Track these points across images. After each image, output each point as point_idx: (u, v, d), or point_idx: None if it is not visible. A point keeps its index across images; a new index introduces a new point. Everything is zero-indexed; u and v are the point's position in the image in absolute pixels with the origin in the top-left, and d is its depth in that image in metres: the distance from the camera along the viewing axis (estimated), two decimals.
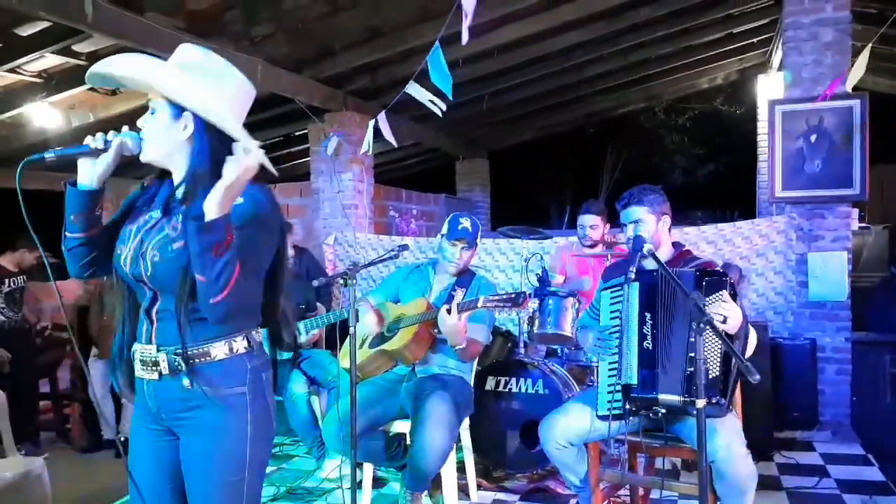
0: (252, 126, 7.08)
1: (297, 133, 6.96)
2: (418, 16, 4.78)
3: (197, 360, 1.61)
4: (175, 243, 1.59)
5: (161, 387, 1.65)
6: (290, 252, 3.93)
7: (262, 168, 1.60)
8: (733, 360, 2.33)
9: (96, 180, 1.66)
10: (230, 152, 1.52)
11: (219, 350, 1.62)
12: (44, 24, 3.92)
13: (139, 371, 1.68)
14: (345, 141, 5.79)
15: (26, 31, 4.03)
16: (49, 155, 1.59)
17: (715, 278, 2.42)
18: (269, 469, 3.91)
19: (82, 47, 4.33)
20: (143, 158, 1.65)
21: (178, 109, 1.61)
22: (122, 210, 1.75)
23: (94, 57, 4.47)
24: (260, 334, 1.72)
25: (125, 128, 1.66)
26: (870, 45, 3.78)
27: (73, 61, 4.44)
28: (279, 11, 4.27)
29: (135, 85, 1.63)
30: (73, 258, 1.74)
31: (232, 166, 1.50)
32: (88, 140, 1.64)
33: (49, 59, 4.44)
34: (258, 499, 1.71)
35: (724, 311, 2.34)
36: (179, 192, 1.64)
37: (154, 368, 1.64)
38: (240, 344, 1.64)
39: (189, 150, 1.63)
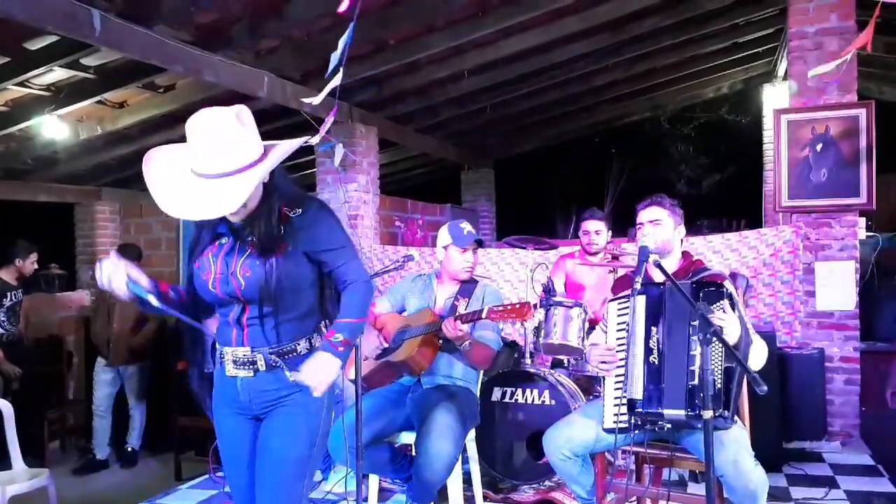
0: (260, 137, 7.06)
1: (303, 144, 6.98)
2: (424, 28, 4.81)
3: (288, 356, 1.95)
4: (258, 260, 1.89)
5: (255, 381, 1.97)
6: None
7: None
8: (735, 372, 2.32)
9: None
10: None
11: (302, 346, 1.97)
12: (52, 39, 3.96)
13: (232, 370, 1.98)
14: (350, 152, 5.81)
15: (35, 45, 4.07)
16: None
17: (712, 290, 2.40)
18: None
19: (90, 61, 4.37)
20: (234, 219, 1.92)
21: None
22: (189, 252, 2.05)
23: (101, 70, 4.51)
24: (325, 328, 2.03)
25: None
26: (854, 50, 3.78)
27: (82, 74, 4.48)
28: (284, 24, 4.29)
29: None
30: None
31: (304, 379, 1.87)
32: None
33: (57, 73, 4.48)
34: (313, 475, 2.03)
35: (721, 321, 2.32)
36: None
37: (251, 367, 1.96)
38: (315, 339, 2.00)
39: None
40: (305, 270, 1.95)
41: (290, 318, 1.96)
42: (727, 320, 2.33)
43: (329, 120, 3.52)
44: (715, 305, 2.37)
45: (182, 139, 1.91)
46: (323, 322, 2.04)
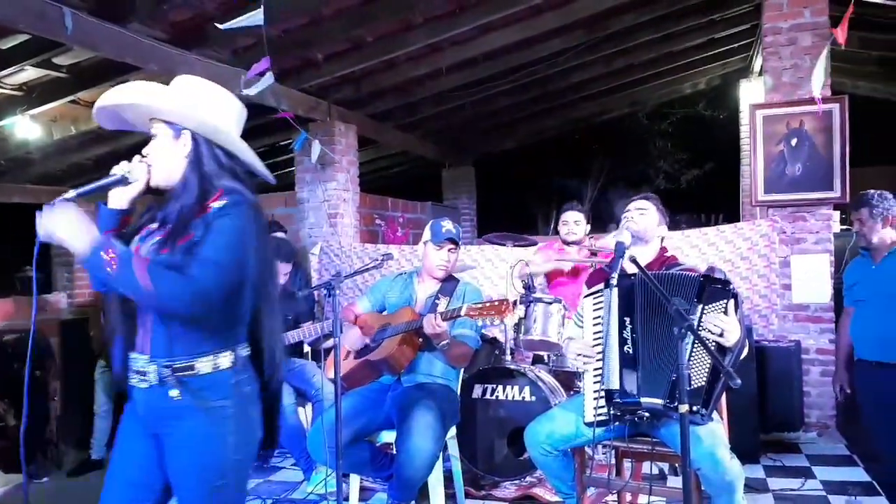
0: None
1: (281, 143, 6.94)
2: (401, 25, 4.79)
3: (184, 373, 1.71)
4: (161, 248, 1.70)
5: (150, 395, 1.74)
6: (285, 270, 3.93)
7: (253, 174, 1.85)
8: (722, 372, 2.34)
9: (127, 202, 1.82)
10: (232, 164, 1.79)
11: (205, 365, 1.72)
12: (24, 37, 3.89)
13: (132, 378, 1.78)
14: (328, 150, 5.78)
15: (6, 44, 4.00)
16: (75, 193, 1.71)
17: (718, 287, 2.43)
18: (255, 481, 3.90)
19: (63, 60, 4.31)
20: (152, 182, 1.80)
21: (178, 130, 1.78)
22: (133, 227, 1.86)
23: (74, 69, 4.45)
24: (245, 350, 1.81)
25: (136, 157, 1.81)
26: (827, 47, 3.83)
27: (54, 74, 4.42)
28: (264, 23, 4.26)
29: (137, 111, 1.79)
30: None
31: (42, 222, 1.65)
32: (116, 169, 1.80)
33: (30, 72, 4.41)
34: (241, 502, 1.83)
35: (723, 323, 2.35)
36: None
37: (144, 378, 1.74)
38: (225, 359, 1.74)
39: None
40: None
41: (192, 328, 1.71)
42: (728, 322, 2.35)
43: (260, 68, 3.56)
44: (717, 303, 2.40)
45: None
46: (247, 346, 1.80)
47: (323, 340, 3.92)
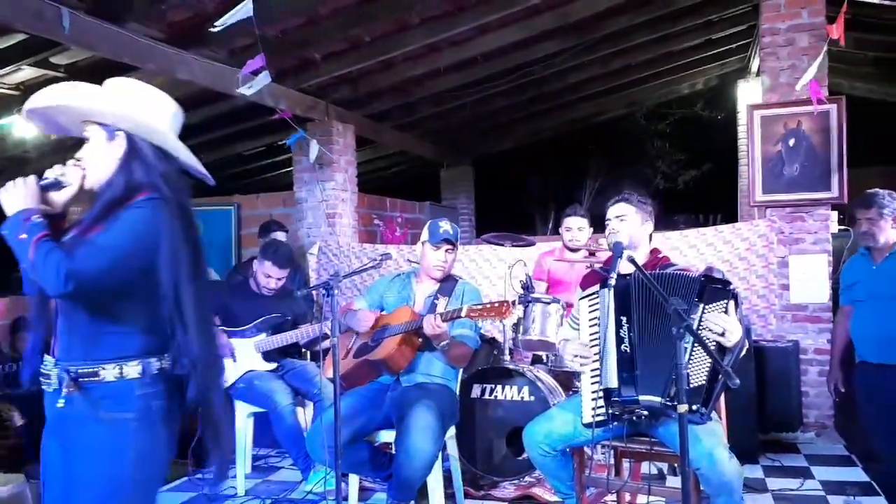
0: (236, 136, 7.04)
1: (279, 143, 6.93)
2: (398, 25, 4.79)
3: (87, 379, 1.65)
4: (67, 241, 1.66)
5: (52, 399, 1.69)
6: (280, 274, 3.89)
7: (189, 174, 1.83)
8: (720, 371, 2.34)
9: (60, 206, 1.77)
10: (166, 164, 1.75)
11: (108, 372, 1.65)
12: (21, 37, 3.89)
13: (42, 382, 1.72)
14: (326, 150, 5.78)
15: (4, 43, 3.99)
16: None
17: (719, 287, 2.44)
18: (254, 481, 3.89)
19: (60, 59, 4.31)
20: (87, 185, 1.76)
21: (111, 131, 1.74)
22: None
23: (72, 69, 4.44)
24: (160, 363, 1.72)
25: (70, 161, 1.79)
26: (825, 48, 3.84)
27: (52, 73, 4.41)
28: (259, 21, 4.25)
29: (70, 114, 1.76)
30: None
31: None
32: (49, 173, 1.75)
33: (27, 72, 4.40)
34: None
35: (724, 323, 2.36)
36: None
37: (48, 381, 1.69)
38: (132, 369, 1.67)
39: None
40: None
41: (97, 331, 1.66)
42: (730, 322, 2.36)
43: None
44: (718, 303, 2.40)
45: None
46: (164, 360, 1.72)
47: (321, 341, 3.91)
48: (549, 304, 3.56)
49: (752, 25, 5.93)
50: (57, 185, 1.74)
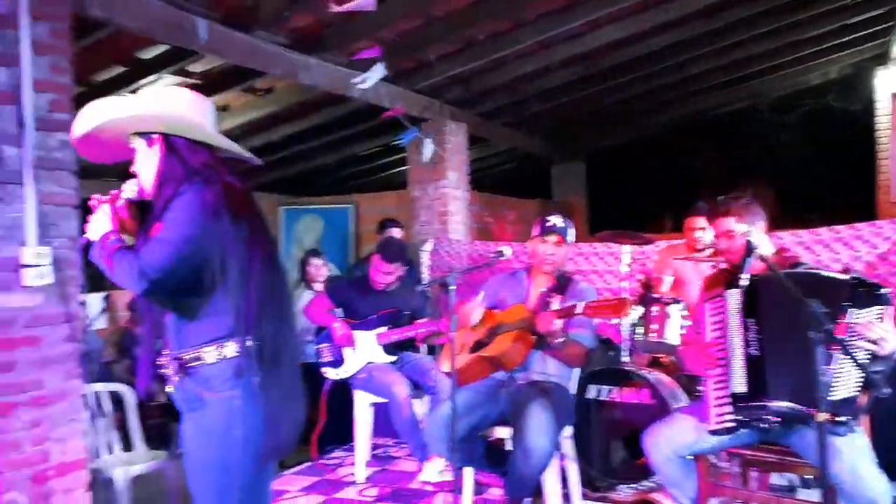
0: (354, 137, 7.25)
1: (395, 142, 7.10)
2: (510, 24, 4.78)
3: (190, 365, 1.76)
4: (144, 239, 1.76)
5: (175, 385, 1.82)
6: (388, 269, 4.01)
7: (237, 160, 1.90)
8: (878, 381, 2.17)
9: (136, 218, 1.89)
10: (206, 154, 1.82)
11: (209, 355, 1.74)
12: (162, 48, 4.19)
13: (161, 371, 1.86)
14: (440, 150, 5.85)
15: (147, 54, 4.32)
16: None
17: (870, 290, 2.25)
18: (373, 469, 4.01)
19: (196, 67, 4.60)
20: (145, 193, 1.87)
21: (149, 137, 1.82)
22: None
23: (207, 76, 4.74)
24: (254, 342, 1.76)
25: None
26: None
27: (189, 81, 4.72)
28: (375, 25, 4.37)
29: (109, 130, 1.82)
30: None
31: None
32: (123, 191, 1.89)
33: (167, 80, 4.73)
34: (252, 499, 1.79)
35: (881, 331, 2.17)
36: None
37: (165, 371, 1.83)
38: (229, 349, 1.74)
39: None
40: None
41: (192, 317, 1.76)
42: (888, 331, 2.17)
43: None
44: (871, 309, 2.23)
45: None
46: (243, 335, 1.74)
47: (435, 336, 3.99)
48: (669, 304, 3.45)
49: (892, 9, 5.49)
50: (126, 202, 1.87)
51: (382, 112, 5.30)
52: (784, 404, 2.29)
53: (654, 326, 3.43)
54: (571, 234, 3.26)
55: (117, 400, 3.58)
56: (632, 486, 3.50)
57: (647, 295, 3.51)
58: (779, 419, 2.33)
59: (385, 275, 4.00)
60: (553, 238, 3.18)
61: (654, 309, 3.45)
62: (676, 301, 3.48)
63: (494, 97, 6.27)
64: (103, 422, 3.46)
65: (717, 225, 2.60)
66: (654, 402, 3.37)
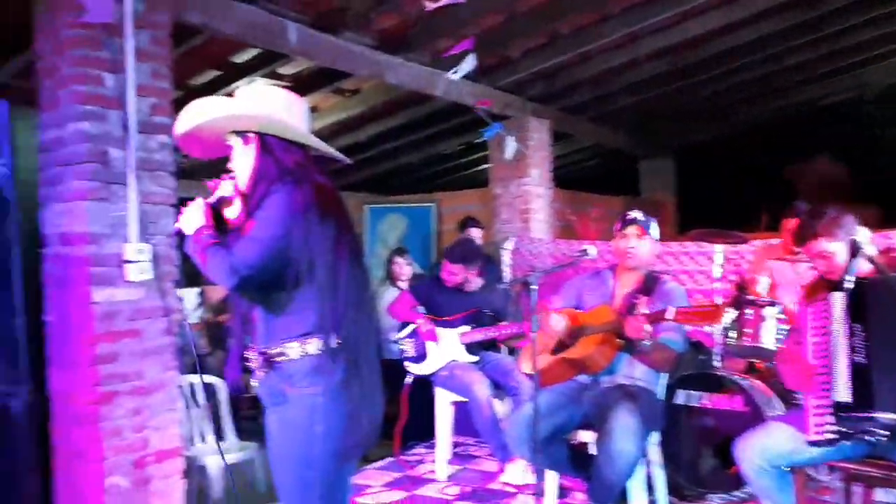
0: (437, 136, 7.29)
1: (477, 141, 7.10)
2: (596, 17, 4.67)
3: (277, 359, 1.79)
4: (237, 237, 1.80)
5: (260, 379, 1.87)
6: (456, 269, 4.01)
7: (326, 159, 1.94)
8: None
9: (231, 216, 1.95)
10: (300, 153, 1.86)
11: (293, 351, 1.77)
12: (254, 52, 4.33)
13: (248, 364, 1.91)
14: (522, 147, 5.80)
15: (240, 58, 4.48)
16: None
17: None
18: (455, 468, 4.02)
19: (286, 70, 4.74)
20: (240, 191, 1.91)
21: (245, 136, 1.88)
22: None
23: (297, 78, 4.87)
24: (337, 340, 1.79)
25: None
26: None
27: (280, 83, 4.87)
28: (459, 23, 4.37)
29: (208, 129, 1.88)
30: None
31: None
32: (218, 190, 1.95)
33: (259, 83, 4.90)
34: (332, 494, 1.81)
35: None
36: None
37: (251, 364, 1.87)
38: (312, 346, 1.77)
39: None
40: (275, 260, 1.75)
41: (278, 313, 1.80)
42: None
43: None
44: None
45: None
46: (327, 333, 1.77)
47: (517, 339, 3.96)
48: (765, 307, 3.29)
49: None
50: (220, 199, 1.92)
51: (465, 110, 5.30)
52: (891, 416, 2.14)
53: (749, 330, 3.27)
54: (654, 228, 3.15)
55: (211, 391, 3.74)
56: (722, 495, 3.36)
57: (741, 297, 3.35)
58: (887, 433, 2.18)
59: (451, 275, 4.02)
60: (633, 230, 3.08)
61: (749, 312, 3.29)
62: (773, 304, 3.31)
63: (579, 92, 6.16)
64: (197, 412, 3.62)
65: (808, 249, 2.45)
66: (747, 409, 3.22)
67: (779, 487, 2.46)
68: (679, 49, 5.45)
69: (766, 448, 2.45)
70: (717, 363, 3.47)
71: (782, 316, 3.28)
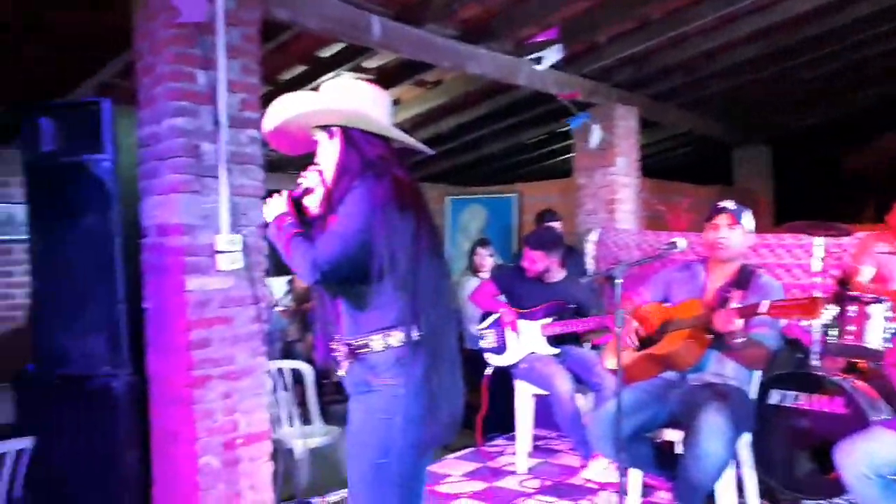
0: (519, 125, 7.21)
1: (560, 130, 6.98)
2: None
3: (361, 350, 1.83)
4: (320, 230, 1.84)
5: (346, 369, 1.90)
6: (535, 256, 3.95)
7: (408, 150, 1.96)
8: None
9: (315, 209, 1.98)
10: (383, 146, 1.89)
11: (377, 343, 1.81)
12: (339, 46, 4.40)
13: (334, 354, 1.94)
14: (607, 134, 5.65)
15: (326, 52, 4.56)
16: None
17: None
18: (536, 461, 3.99)
19: (370, 63, 4.79)
20: (326, 184, 1.92)
21: (330, 130, 1.91)
22: None
23: (381, 71, 4.92)
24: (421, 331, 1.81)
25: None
26: None
27: (364, 77, 4.93)
28: (542, 11, 4.29)
29: (295, 123, 1.91)
30: None
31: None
32: (301, 181, 1.98)
33: (344, 77, 4.98)
34: (407, 484, 1.83)
35: None
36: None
37: (338, 354, 1.90)
38: (394, 338, 1.80)
39: None
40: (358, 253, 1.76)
41: (363, 306, 1.82)
42: None
43: None
44: None
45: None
46: (408, 325, 1.79)
47: (600, 333, 3.87)
48: (869, 303, 3.08)
49: None
50: (305, 191, 1.95)
51: (549, 99, 5.21)
52: None
53: (851, 328, 3.07)
54: (747, 218, 3.00)
55: (298, 377, 3.85)
56: (819, 501, 3.18)
57: (843, 293, 3.15)
58: None
59: (532, 263, 3.97)
60: (724, 220, 2.95)
61: (852, 309, 3.09)
62: (879, 300, 3.09)
63: (669, 78, 5.93)
64: (284, 396, 3.74)
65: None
66: (848, 411, 3.03)
67: (883, 497, 2.31)
68: (780, 29, 5.15)
69: (872, 455, 2.30)
70: (815, 362, 3.28)
71: (890, 314, 3.06)
